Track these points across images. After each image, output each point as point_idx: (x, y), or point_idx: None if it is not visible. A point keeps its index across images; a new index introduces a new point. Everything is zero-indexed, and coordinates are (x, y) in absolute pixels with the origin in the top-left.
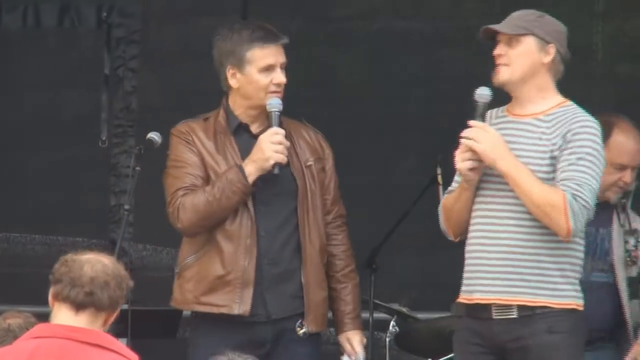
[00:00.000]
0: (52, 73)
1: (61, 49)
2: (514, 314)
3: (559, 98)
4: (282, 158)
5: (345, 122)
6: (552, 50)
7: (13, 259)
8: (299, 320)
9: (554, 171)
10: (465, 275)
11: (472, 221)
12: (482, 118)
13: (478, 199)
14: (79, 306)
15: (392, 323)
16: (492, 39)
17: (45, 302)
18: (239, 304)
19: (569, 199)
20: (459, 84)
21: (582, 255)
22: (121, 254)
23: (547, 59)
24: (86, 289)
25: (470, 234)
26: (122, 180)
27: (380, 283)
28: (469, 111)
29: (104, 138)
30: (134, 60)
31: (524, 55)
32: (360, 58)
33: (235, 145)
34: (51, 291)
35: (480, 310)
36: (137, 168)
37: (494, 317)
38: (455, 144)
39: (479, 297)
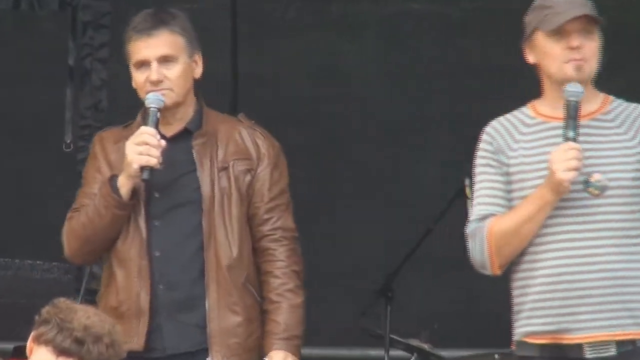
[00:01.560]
0: (7, 65)
1: (18, 36)
2: (613, 351)
3: (599, 93)
4: (147, 160)
5: (352, 124)
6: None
7: None
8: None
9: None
10: (539, 311)
11: (547, 246)
12: (574, 118)
13: (554, 220)
14: (62, 352)
15: None
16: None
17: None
18: (135, 337)
19: None
20: (487, 77)
21: None
22: (90, 280)
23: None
24: (76, 335)
25: (542, 262)
26: None
27: (397, 314)
28: (501, 110)
29: (68, 141)
30: (104, 49)
31: (597, 50)
32: (370, 48)
33: None
34: (33, 333)
35: (567, 350)
36: None
37: (587, 357)
38: None
39: (571, 337)
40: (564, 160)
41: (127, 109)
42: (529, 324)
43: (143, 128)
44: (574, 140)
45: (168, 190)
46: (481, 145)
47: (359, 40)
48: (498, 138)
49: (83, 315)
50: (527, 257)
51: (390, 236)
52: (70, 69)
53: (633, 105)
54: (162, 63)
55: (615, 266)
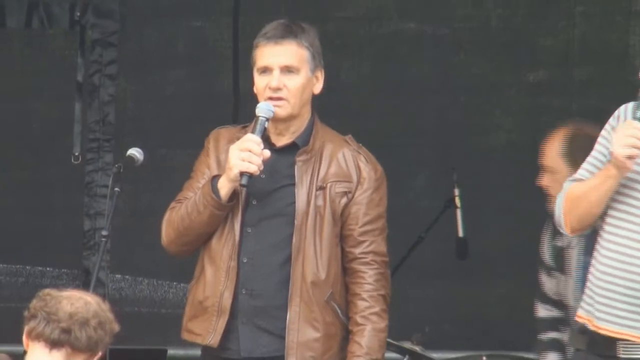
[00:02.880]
0: (19, 80)
1: (29, 53)
2: None
3: None
4: (247, 167)
5: (348, 134)
6: None
7: None
8: None
9: None
10: (595, 291)
11: (610, 235)
12: None
13: (619, 206)
14: (53, 344)
15: None
16: None
17: (8, 340)
18: (212, 333)
19: None
20: (477, 93)
21: None
22: (97, 286)
23: None
24: (62, 325)
25: (605, 249)
26: (97, 201)
27: (390, 319)
28: (489, 125)
29: (77, 153)
30: (112, 66)
31: None
32: (366, 64)
33: None
34: (25, 329)
35: (603, 346)
36: (116, 189)
37: (621, 356)
38: (473, 161)
39: (605, 328)
40: (624, 136)
41: (134, 123)
42: (586, 304)
43: (249, 135)
44: None
45: (265, 200)
46: (610, 119)
47: (355, 58)
48: (622, 116)
49: (67, 303)
50: (599, 241)
51: None
52: (79, 85)
53: None
54: (284, 72)
55: None
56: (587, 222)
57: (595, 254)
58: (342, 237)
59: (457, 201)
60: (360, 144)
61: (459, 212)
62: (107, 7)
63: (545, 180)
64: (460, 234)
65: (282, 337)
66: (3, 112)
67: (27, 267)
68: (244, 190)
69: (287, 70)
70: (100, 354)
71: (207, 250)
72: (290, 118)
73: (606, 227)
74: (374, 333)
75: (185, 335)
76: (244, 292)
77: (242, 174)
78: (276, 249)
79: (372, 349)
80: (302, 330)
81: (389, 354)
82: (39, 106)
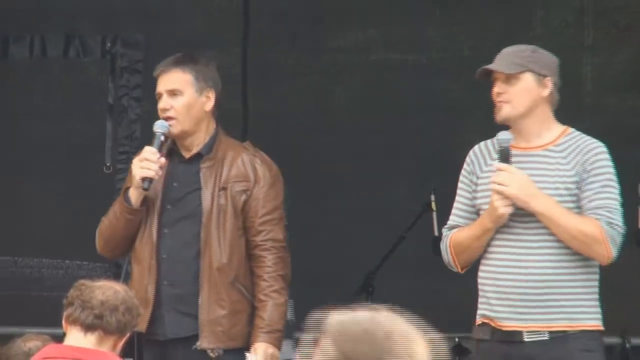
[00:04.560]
0: (58, 102)
1: (67, 79)
2: (546, 337)
3: (560, 126)
4: (145, 172)
5: (341, 150)
6: (549, 83)
7: (21, 281)
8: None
9: (576, 200)
10: (489, 301)
11: (495, 255)
12: (507, 161)
13: (500, 236)
14: (87, 328)
15: None
16: (488, 76)
17: (51, 323)
18: (141, 322)
19: (606, 228)
20: (452, 114)
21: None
22: (127, 277)
23: (546, 92)
24: (95, 312)
25: (491, 262)
26: None
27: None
28: (462, 141)
29: (108, 164)
30: (138, 89)
31: (524, 92)
32: (356, 88)
33: (166, 169)
34: (64, 314)
35: (510, 335)
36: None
37: (526, 340)
38: (447, 171)
39: (511, 325)
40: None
41: None
42: (484, 310)
43: (146, 147)
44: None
45: (178, 204)
46: (464, 164)
47: (346, 82)
48: (475, 161)
49: (99, 292)
50: (484, 260)
51: (370, 243)
52: (110, 106)
53: (585, 138)
54: (170, 95)
55: (549, 271)
56: (474, 259)
57: (481, 267)
58: (245, 229)
59: (433, 205)
60: (257, 149)
61: (434, 215)
62: (134, 39)
63: None
64: (436, 233)
65: (197, 318)
66: (45, 130)
67: (67, 261)
68: (158, 198)
69: (172, 93)
70: (127, 335)
71: (133, 252)
72: (184, 134)
73: (488, 249)
74: (275, 307)
75: None
76: (165, 284)
77: (143, 179)
78: (189, 244)
79: (272, 321)
80: (211, 309)
81: None
82: (76, 125)
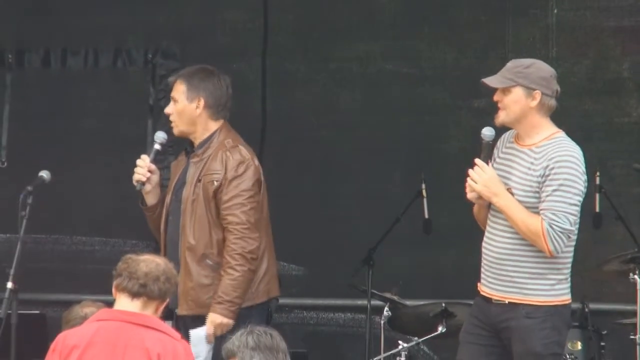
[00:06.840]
0: (107, 104)
1: (115, 85)
2: (507, 301)
3: (551, 130)
4: (137, 177)
5: (345, 144)
6: (537, 95)
7: (76, 256)
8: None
9: (538, 197)
10: (482, 269)
11: (487, 227)
12: (488, 155)
13: (492, 212)
14: (134, 295)
15: (385, 309)
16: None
17: (102, 292)
18: None
19: (546, 228)
20: (437, 113)
21: (566, 259)
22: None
23: (534, 103)
24: (140, 281)
25: (484, 237)
26: (163, 190)
27: (376, 276)
28: (447, 137)
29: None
30: None
31: (514, 103)
32: (358, 92)
33: (183, 166)
34: (114, 284)
35: (485, 299)
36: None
37: (493, 302)
38: (435, 163)
39: (485, 291)
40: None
41: None
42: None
43: (142, 155)
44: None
45: (176, 194)
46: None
47: (350, 88)
48: (497, 147)
49: (144, 264)
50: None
51: (371, 223)
52: (150, 107)
53: (559, 145)
54: (173, 102)
55: (508, 251)
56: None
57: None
58: (218, 214)
59: (424, 192)
60: (236, 145)
61: (424, 200)
62: (171, 51)
63: None
64: (426, 216)
65: None
66: (97, 127)
67: (114, 239)
68: (171, 190)
69: (173, 100)
70: (167, 300)
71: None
72: (183, 134)
73: (487, 225)
74: (229, 281)
75: None
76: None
77: (136, 182)
78: (178, 229)
79: (224, 292)
80: (183, 283)
81: (375, 302)
82: (123, 123)
